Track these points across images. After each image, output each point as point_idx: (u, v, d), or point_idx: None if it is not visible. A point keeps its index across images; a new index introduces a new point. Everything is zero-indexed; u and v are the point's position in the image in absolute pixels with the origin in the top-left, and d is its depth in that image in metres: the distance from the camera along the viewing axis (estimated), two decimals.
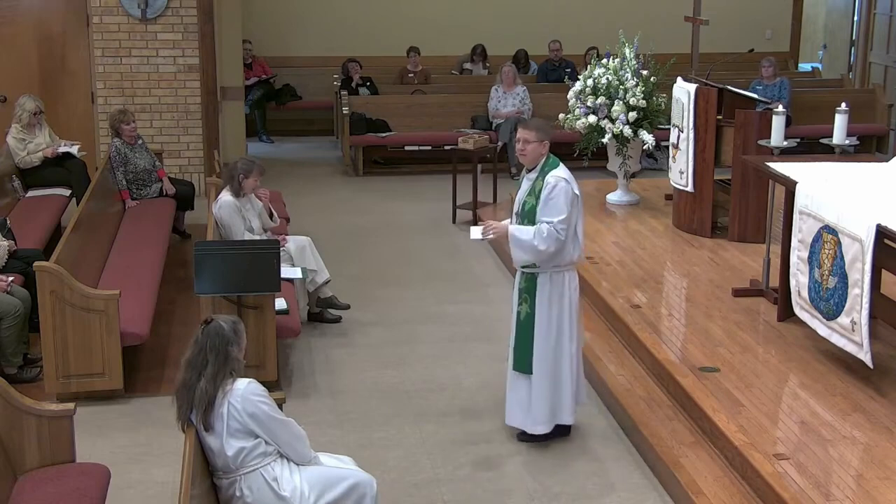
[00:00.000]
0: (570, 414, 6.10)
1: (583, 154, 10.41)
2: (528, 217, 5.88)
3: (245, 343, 4.67)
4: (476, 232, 6.08)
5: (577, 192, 5.85)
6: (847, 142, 7.89)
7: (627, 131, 10.03)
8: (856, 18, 15.95)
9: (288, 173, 12.81)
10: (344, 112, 12.98)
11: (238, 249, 6.54)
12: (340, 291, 8.24)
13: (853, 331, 6.03)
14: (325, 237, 9.63)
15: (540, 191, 5.82)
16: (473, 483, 5.73)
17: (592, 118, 10.18)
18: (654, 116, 10.17)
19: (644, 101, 10.06)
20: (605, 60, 10.38)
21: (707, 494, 5.33)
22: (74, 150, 9.91)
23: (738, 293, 7.70)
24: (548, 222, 5.75)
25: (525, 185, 5.96)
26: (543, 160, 5.90)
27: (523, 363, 6.02)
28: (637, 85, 10.08)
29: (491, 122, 13.05)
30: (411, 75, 14.60)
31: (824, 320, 6.35)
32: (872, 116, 13.83)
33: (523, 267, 5.96)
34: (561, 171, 5.85)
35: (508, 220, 6.10)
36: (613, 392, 6.57)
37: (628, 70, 10.15)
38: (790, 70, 15.75)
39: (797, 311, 6.74)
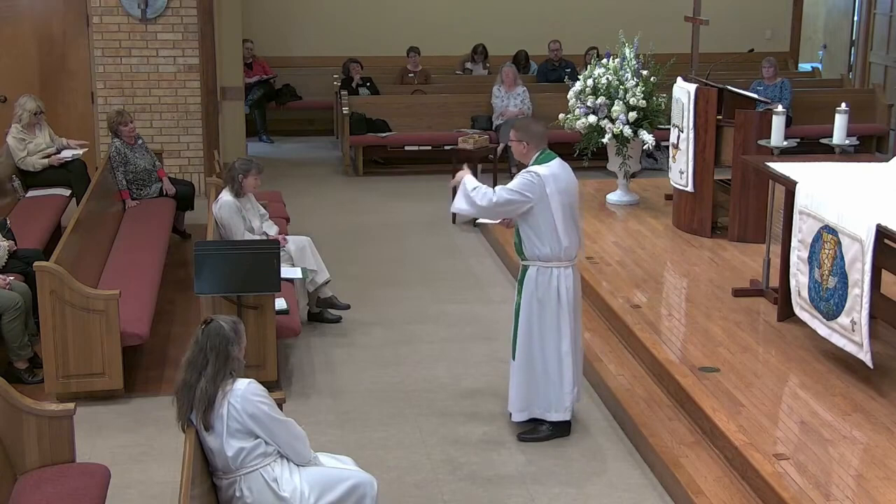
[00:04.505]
0: (559, 411, 6.09)
1: (583, 154, 10.41)
2: None
3: (245, 343, 4.67)
4: (484, 218, 6.32)
5: (551, 188, 5.82)
6: (847, 142, 7.89)
7: (627, 131, 10.03)
8: (856, 18, 15.93)
9: (288, 173, 12.80)
10: (344, 112, 12.97)
11: (238, 249, 6.53)
12: (340, 291, 8.25)
13: (853, 331, 6.03)
14: (325, 237, 9.63)
15: None
16: (473, 483, 5.73)
17: (592, 118, 10.18)
18: (654, 116, 10.18)
19: (644, 101, 10.06)
20: (605, 60, 10.38)
21: (707, 494, 5.32)
22: (79, 153, 9.93)
23: (738, 293, 7.70)
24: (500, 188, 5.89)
25: None
26: (537, 155, 5.95)
27: (512, 351, 6.16)
28: (637, 85, 10.08)
29: (492, 122, 13.04)
30: (411, 75, 14.59)
31: (824, 320, 6.35)
32: (872, 116, 13.82)
33: (521, 260, 6.05)
34: (541, 168, 5.88)
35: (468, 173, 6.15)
36: (613, 392, 6.57)
37: (628, 70, 10.15)
38: (790, 70, 15.74)
39: (797, 311, 6.74)
